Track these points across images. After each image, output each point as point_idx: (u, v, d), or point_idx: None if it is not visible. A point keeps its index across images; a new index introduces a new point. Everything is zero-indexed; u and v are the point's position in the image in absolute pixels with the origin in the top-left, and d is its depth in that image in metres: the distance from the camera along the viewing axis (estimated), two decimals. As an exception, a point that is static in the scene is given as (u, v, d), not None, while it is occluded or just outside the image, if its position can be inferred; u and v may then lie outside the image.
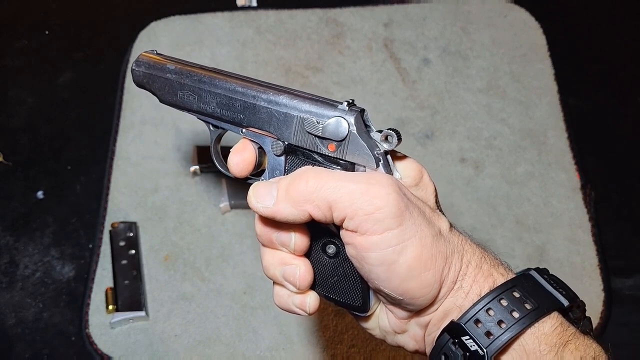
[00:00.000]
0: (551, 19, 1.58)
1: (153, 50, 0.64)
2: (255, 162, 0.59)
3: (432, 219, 0.51)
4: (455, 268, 0.50)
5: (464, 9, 1.60)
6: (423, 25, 1.58)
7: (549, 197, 1.32)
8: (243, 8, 1.60)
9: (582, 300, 0.53)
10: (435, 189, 0.56)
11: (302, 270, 0.56)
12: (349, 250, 0.51)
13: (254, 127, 0.56)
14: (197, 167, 1.31)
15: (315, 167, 0.52)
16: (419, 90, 1.47)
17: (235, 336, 1.15)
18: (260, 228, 0.56)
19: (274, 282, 0.58)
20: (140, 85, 0.63)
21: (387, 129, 0.51)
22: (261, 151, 0.58)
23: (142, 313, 1.15)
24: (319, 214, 0.50)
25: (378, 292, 0.53)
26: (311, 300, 0.57)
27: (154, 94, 0.62)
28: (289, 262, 0.56)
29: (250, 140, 0.58)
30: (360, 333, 1.15)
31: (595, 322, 1.17)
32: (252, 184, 0.57)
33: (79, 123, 1.43)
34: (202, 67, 0.60)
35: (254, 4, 1.61)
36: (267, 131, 0.56)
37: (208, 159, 1.31)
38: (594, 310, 1.19)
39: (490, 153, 1.39)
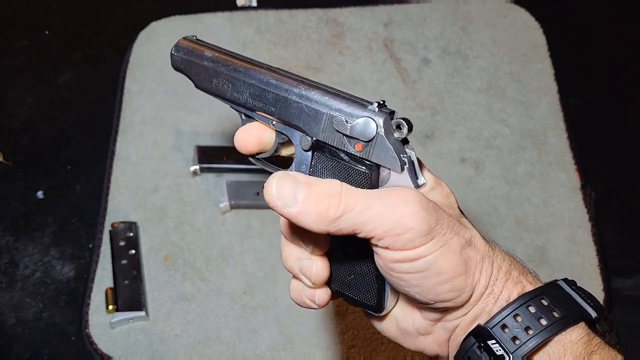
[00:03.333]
0: (551, 19, 1.58)
1: (193, 36, 0.64)
2: (261, 143, 0.59)
3: (461, 229, 0.51)
4: (487, 273, 0.50)
5: (464, 9, 1.60)
6: (423, 25, 1.58)
7: (549, 197, 1.32)
8: (243, 8, 1.60)
9: (608, 313, 0.53)
10: (456, 199, 0.56)
11: (319, 266, 0.56)
12: (377, 260, 0.51)
13: (284, 120, 0.57)
14: (197, 167, 1.31)
15: (345, 186, 0.50)
16: (419, 90, 1.47)
17: (235, 336, 1.15)
18: (284, 227, 0.56)
19: (293, 276, 0.59)
20: (177, 69, 0.64)
21: (398, 118, 0.51)
22: (283, 143, 0.59)
23: (142, 313, 1.15)
24: (340, 234, 0.49)
25: (407, 295, 0.52)
26: (321, 293, 0.57)
27: (190, 78, 0.63)
28: (307, 256, 0.56)
29: (277, 131, 0.58)
30: (360, 333, 1.15)
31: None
32: (253, 162, 0.57)
33: (79, 123, 1.43)
34: (238, 57, 0.60)
35: (254, 4, 1.61)
36: (296, 125, 0.56)
37: (208, 159, 1.31)
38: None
39: (490, 153, 1.39)
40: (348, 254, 0.56)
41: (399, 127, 0.51)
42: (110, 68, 1.49)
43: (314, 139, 0.55)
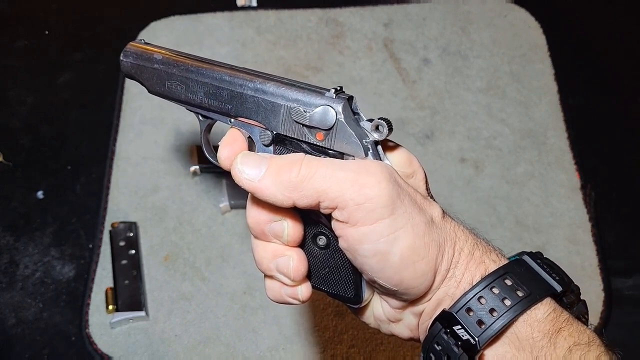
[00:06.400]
0: (551, 19, 1.58)
1: (141, 40, 0.62)
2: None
3: (424, 206, 0.50)
4: (449, 256, 0.50)
5: (464, 9, 1.60)
6: (423, 25, 1.58)
7: (549, 197, 1.32)
8: (243, 8, 1.60)
9: (576, 285, 0.52)
10: (425, 175, 0.55)
11: (295, 261, 0.54)
12: (341, 243, 0.50)
13: (242, 117, 0.55)
14: (197, 167, 1.31)
15: (308, 155, 0.50)
16: (419, 90, 1.47)
17: (235, 336, 1.15)
18: (252, 218, 0.54)
19: (266, 276, 0.57)
20: (129, 75, 0.62)
21: (378, 118, 0.50)
22: (250, 141, 0.57)
23: (142, 313, 1.15)
24: (304, 203, 0.49)
25: (372, 283, 0.52)
26: (302, 287, 0.56)
27: (142, 84, 0.61)
28: (282, 254, 0.55)
29: (239, 130, 0.57)
30: (360, 333, 1.15)
31: (595, 322, 1.17)
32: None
33: (79, 123, 1.43)
34: (189, 57, 0.59)
35: (254, 4, 1.61)
36: (255, 120, 0.55)
37: (208, 159, 1.31)
38: (594, 310, 1.19)
39: (490, 153, 1.39)
40: (320, 247, 0.56)
41: (377, 128, 0.50)
42: (110, 68, 1.50)
43: (274, 132, 0.54)
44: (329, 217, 0.50)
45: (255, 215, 0.54)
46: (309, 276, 0.57)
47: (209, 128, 0.62)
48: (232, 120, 0.57)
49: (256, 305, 1.18)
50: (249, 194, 0.54)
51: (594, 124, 1.45)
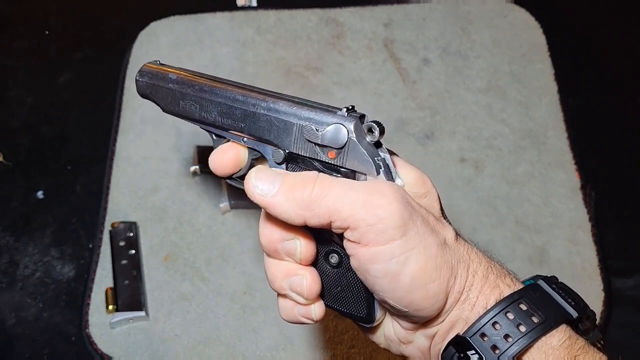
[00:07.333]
0: (551, 19, 1.58)
1: (156, 61, 0.63)
2: (237, 163, 0.58)
3: (437, 228, 0.50)
4: (462, 279, 0.49)
5: (464, 9, 1.60)
6: (423, 25, 1.58)
7: (549, 197, 1.32)
8: (243, 8, 1.60)
9: (592, 310, 0.52)
10: (439, 196, 0.55)
11: (309, 279, 0.54)
12: (353, 262, 0.50)
13: (255, 136, 0.56)
14: (197, 167, 1.31)
15: (321, 174, 0.50)
16: (419, 91, 1.47)
17: (235, 336, 1.15)
18: (265, 237, 0.54)
19: (279, 295, 0.57)
20: (144, 95, 0.63)
21: (370, 121, 0.51)
22: (256, 159, 0.58)
23: (142, 313, 1.15)
24: (315, 222, 0.49)
25: (383, 303, 0.52)
26: (316, 307, 0.55)
27: (157, 104, 0.62)
28: (295, 273, 0.54)
29: (249, 147, 0.57)
30: (360, 334, 1.15)
31: (595, 322, 1.17)
32: (233, 184, 0.57)
33: (79, 123, 1.43)
34: (204, 76, 0.59)
35: (254, 4, 1.61)
36: (267, 139, 0.55)
37: (208, 159, 1.31)
38: (594, 310, 1.18)
39: (490, 153, 1.39)
40: (332, 265, 0.55)
41: (370, 130, 0.51)
42: (110, 68, 1.50)
43: (287, 151, 0.54)
44: (341, 235, 0.50)
45: (268, 233, 0.54)
46: (321, 295, 0.57)
47: None
48: (245, 139, 0.57)
49: (256, 305, 1.18)
50: (262, 211, 0.54)
51: (594, 124, 1.45)
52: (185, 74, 0.60)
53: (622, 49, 1.57)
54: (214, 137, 0.61)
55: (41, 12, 1.61)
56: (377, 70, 1.50)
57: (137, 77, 0.63)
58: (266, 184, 0.50)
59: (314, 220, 0.49)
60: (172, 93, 0.60)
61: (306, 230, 0.53)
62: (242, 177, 0.59)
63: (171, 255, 1.24)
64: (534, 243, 1.27)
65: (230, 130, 0.58)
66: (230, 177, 0.60)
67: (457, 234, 0.52)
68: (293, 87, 1.43)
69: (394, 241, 0.47)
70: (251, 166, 0.59)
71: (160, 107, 0.62)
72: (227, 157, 0.58)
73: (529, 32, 1.56)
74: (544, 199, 1.32)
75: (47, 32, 1.58)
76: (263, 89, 0.57)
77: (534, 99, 1.46)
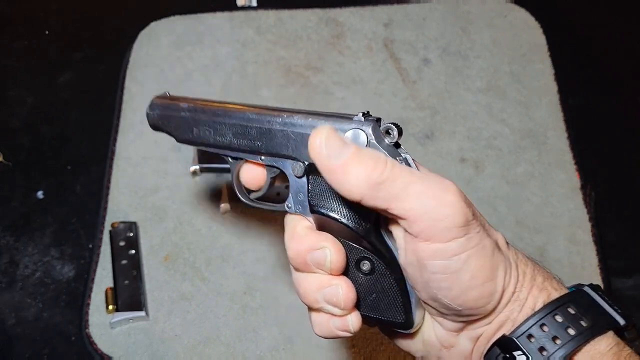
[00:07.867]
0: (551, 19, 1.58)
1: (165, 93, 0.64)
2: (257, 182, 0.59)
3: (490, 231, 0.50)
4: (514, 279, 0.49)
5: (464, 9, 1.60)
6: (423, 25, 1.58)
7: (549, 197, 1.32)
8: (243, 8, 1.60)
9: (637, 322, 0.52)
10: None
11: (344, 288, 0.52)
12: (408, 256, 0.49)
13: (273, 152, 0.56)
14: (197, 167, 1.31)
15: (390, 157, 0.48)
16: (419, 91, 1.47)
17: (235, 336, 1.15)
18: (292, 250, 0.53)
19: (310, 309, 0.55)
20: (155, 127, 0.64)
21: (388, 123, 0.51)
22: (275, 177, 0.58)
23: (142, 313, 1.15)
24: (371, 204, 0.46)
25: (434, 301, 0.50)
26: (352, 317, 0.53)
27: (170, 134, 0.62)
28: (328, 283, 0.52)
29: (267, 165, 0.57)
30: (360, 333, 1.15)
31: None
32: (255, 206, 0.57)
33: (79, 123, 1.43)
34: (213, 102, 0.60)
35: (254, 4, 1.61)
36: (286, 154, 0.55)
37: (208, 159, 1.31)
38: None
39: (490, 153, 1.39)
40: (365, 272, 0.54)
41: (388, 132, 0.51)
42: (110, 68, 1.50)
43: (306, 163, 0.54)
44: (371, 240, 0.49)
45: (295, 246, 0.53)
46: (356, 305, 0.55)
47: (240, 170, 0.62)
48: (263, 157, 0.57)
49: (256, 305, 1.18)
50: (286, 227, 0.54)
51: (594, 124, 1.45)
52: (195, 101, 0.60)
53: (622, 49, 1.56)
54: (230, 159, 0.61)
55: (41, 12, 1.61)
56: (377, 70, 1.50)
57: (148, 111, 0.64)
58: (335, 149, 0.47)
59: (372, 202, 0.47)
60: (184, 121, 0.60)
61: (333, 238, 0.52)
62: (262, 198, 0.60)
63: (171, 255, 1.24)
64: (534, 243, 1.27)
65: (247, 150, 0.57)
66: (247, 198, 0.60)
67: (504, 238, 0.52)
68: (293, 87, 1.43)
69: (458, 239, 0.46)
70: (271, 184, 0.60)
71: (174, 137, 0.62)
72: (249, 176, 0.58)
73: (529, 32, 1.56)
74: (544, 199, 1.32)
75: (47, 32, 1.58)
76: (274, 106, 0.57)
77: (534, 99, 1.46)
